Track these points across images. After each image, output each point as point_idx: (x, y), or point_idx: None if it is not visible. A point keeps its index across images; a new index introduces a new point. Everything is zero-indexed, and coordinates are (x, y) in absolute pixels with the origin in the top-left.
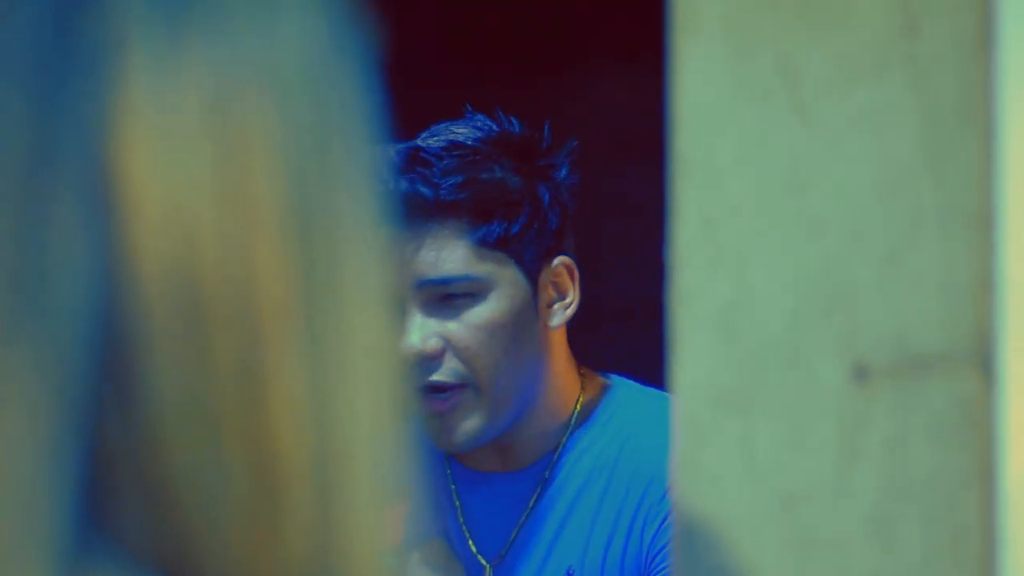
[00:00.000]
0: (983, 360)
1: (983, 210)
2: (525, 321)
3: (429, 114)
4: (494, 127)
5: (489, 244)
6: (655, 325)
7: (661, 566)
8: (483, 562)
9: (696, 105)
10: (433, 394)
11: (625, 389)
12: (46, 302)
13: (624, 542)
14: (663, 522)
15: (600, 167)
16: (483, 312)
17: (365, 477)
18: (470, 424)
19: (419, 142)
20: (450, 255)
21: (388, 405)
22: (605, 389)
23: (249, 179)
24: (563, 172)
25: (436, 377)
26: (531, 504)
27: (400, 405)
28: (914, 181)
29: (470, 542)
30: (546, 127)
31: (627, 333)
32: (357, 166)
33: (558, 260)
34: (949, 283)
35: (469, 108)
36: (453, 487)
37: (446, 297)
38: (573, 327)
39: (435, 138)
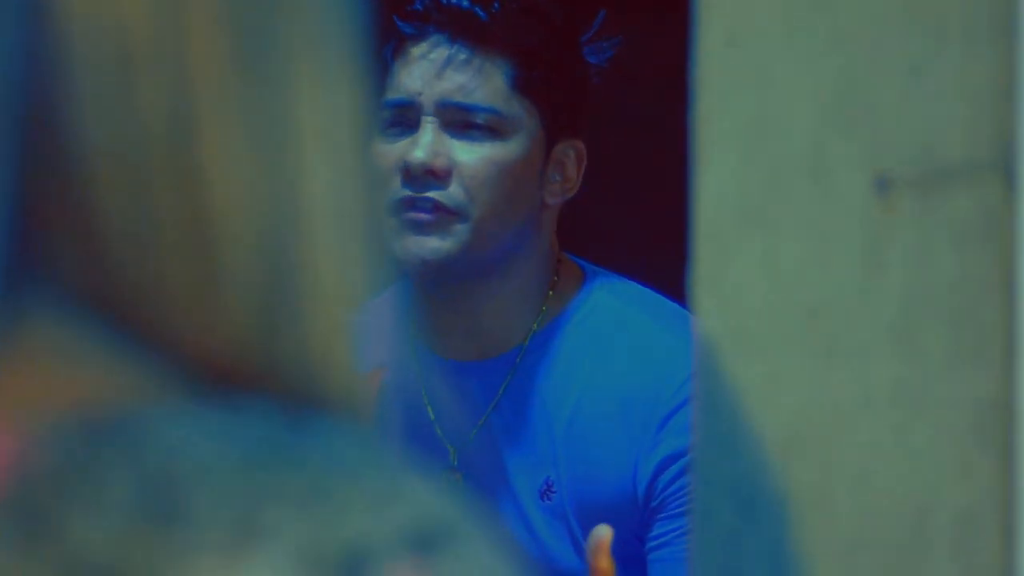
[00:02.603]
0: (1006, 168)
1: (1006, 19)
2: (531, 179)
3: None
4: None
5: (523, 88)
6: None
7: (669, 503)
8: (448, 446)
9: None
10: (418, 206)
11: (603, 283)
12: None
13: (625, 466)
14: (667, 456)
15: None
16: (499, 150)
17: (325, 248)
18: (444, 244)
19: None
20: (484, 84)
21: (350, 178)
22: (582, 280)
23: None
24: (603, 58)
25: (434, 195)
26: (500, 393)
27: (367, 181)
28: None
29: (436, 426)
30: (601, 15)
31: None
32: None
33: (572, 142)
34: (972, 93)
35: None
36: (419, 370)
37: (466, 125)
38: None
39: None
